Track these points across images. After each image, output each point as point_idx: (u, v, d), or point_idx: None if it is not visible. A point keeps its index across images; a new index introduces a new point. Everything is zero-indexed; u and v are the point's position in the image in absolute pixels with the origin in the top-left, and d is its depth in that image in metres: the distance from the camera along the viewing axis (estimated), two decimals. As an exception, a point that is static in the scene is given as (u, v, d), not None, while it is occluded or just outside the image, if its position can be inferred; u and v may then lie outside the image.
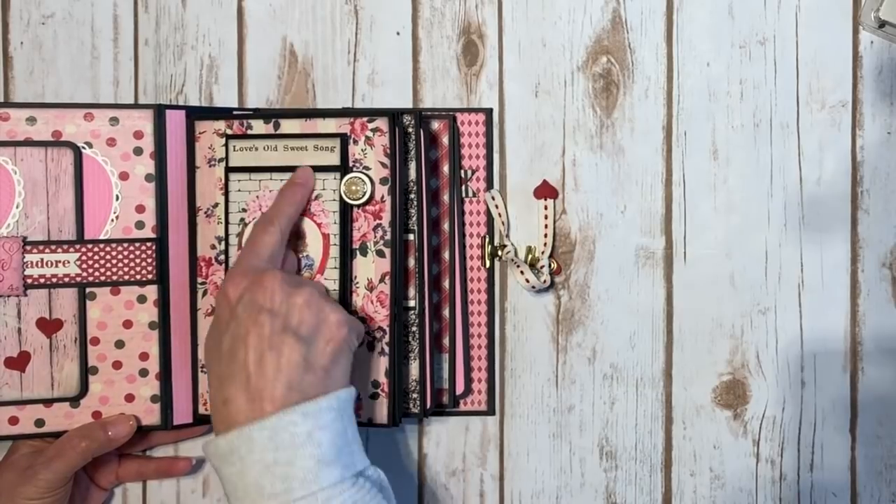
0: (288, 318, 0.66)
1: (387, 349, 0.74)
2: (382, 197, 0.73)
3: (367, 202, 0.73)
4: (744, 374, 0.79)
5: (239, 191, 0.75)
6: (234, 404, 0.64)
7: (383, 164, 0.73)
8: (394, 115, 0.73)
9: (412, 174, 0.74)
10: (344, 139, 0.73)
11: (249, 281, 0.67)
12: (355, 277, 0.74)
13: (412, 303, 0.75)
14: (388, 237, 0.73)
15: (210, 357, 0.68)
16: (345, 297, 0.73)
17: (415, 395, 0.76)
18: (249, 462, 0.62)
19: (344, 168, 0.73)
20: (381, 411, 0.74)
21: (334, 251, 0.74)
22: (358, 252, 0.74)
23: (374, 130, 0.73)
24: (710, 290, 0.79)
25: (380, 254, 0.73)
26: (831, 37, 0.78)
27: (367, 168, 0.73)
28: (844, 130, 0.78)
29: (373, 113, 0.74)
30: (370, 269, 0.74)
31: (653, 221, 0.79)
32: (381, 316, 0.74)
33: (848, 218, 0.78)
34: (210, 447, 0.64)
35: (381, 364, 0.74)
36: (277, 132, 0.74)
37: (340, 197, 0.73)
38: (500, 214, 0.79)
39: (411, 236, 0.75)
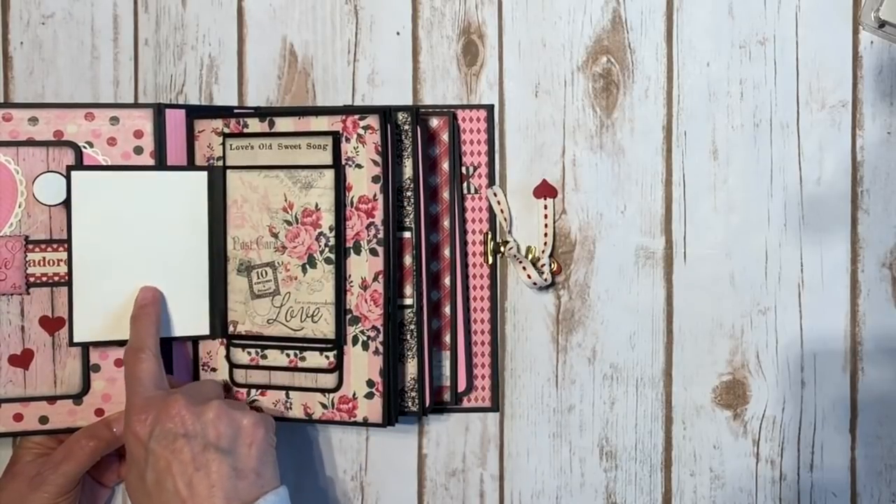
0: (205, 436, 0.67)
1: (381, 348, 0.74)
2: (375, 195, 0.73)
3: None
4: (744, 374, 0.79)
5: None
6: None
7: (375, 162, 0.73)
8: (384, 113, 0.73)
9: (408, 171, 0.74)
10: (336, 137, 0.73)
11: (153, 414, 0.67)
12: (349, 276, 0.74)
13: (411, 301, 0.75)
14: (380, 236, 0.73)
15: (137, 497, 0.68)
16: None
17: (413, 394, 0.76)
18: None
19: (336, 166, 0.73)
20: (376, 411, 0.74)
21: None
22: (352, 251, 0.74)
23: (366, 128, 0.73)
24: (710, 290, 0.79)
25: (373, 252, 0.73)
26: (831, 37, 0.78)
27: (359, 166, 0.73)
28: (844, 130, 0.78)
29: (365, 110, 0.73)
30: (364, 267, 0.74)
31: (653, 221, 0.79)
32: (374, 315, 0.74)
33: (848, 218, 0.78)
34: None
35: (376, 363, 0.74)
36: (272, 130, 0.75)
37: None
38: (502, 210, 0.79)
39: (407, 234, 0.75)
